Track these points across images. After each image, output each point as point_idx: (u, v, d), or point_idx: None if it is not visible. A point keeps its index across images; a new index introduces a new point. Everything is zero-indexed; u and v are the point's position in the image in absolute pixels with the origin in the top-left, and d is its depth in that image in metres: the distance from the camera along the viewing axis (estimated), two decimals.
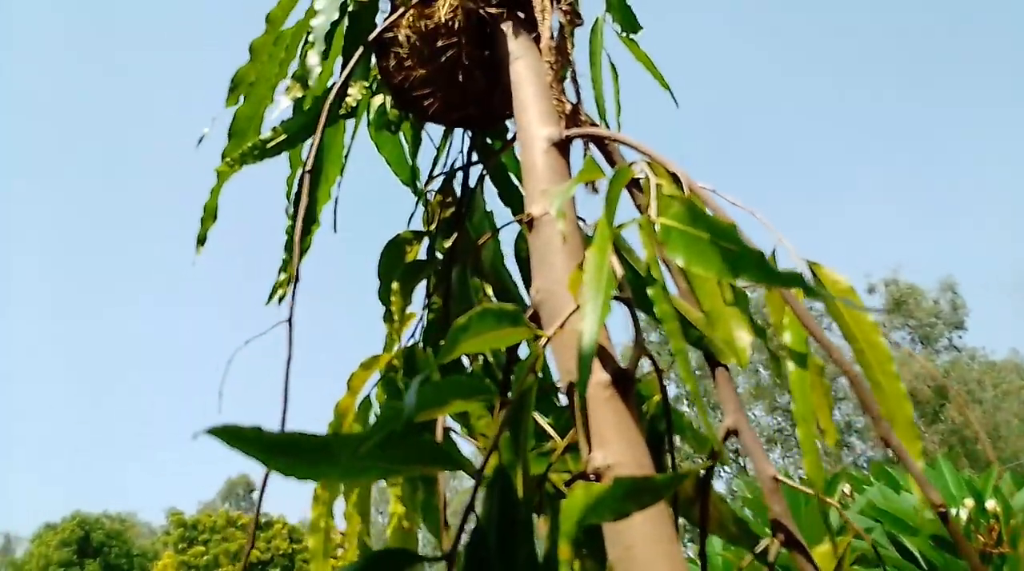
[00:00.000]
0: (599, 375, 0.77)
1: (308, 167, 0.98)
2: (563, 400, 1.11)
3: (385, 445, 0.55)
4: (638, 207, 0.91)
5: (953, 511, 3.82)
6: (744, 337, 0.76)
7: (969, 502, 3.78)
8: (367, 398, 1.15)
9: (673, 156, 0.87)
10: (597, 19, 1.46)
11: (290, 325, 0.87)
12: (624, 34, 1.51)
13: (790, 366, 0.76)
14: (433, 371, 1.15)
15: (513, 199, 1.29)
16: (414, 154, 1.36)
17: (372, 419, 1.16)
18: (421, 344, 1.21)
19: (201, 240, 1.16)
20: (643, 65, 1.50)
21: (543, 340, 0.76)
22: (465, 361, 1.23)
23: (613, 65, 1.42)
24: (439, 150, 1.30)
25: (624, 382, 0.79)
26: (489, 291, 1.18)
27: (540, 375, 0.78)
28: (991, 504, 3.80)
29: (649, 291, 0.67)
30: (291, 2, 1.17)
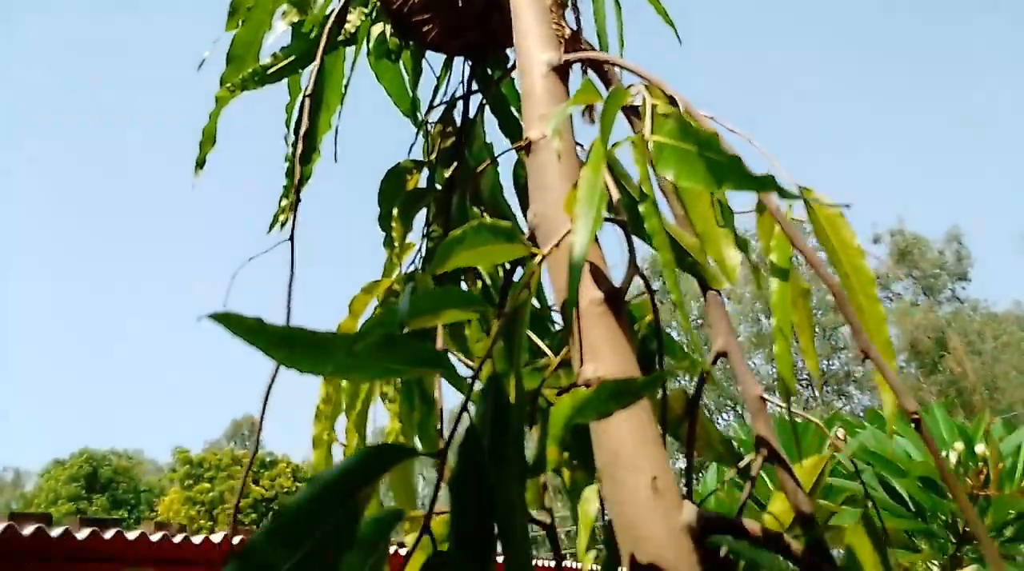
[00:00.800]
0: (592, 292, 0.79)
1: (308, 91, 0.99)
2: (558, 323, 1.15)
3: (382, 346, 0.58)
4: (633, 129, 0.92)
5: (943, 454, 3.90)
6: (734, 255, 0.78)
7: (959, 446, 3.85)
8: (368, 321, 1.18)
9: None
10: None
11: (292, 243, 0.89)
12: None
13: (773, 282, 0.79)
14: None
15: (512, 129, 1.30)
16: (414, 84, 1.36)
17: None
18: (421, 270, 1.24)
19: (200, 164, 1.17)
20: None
21: (538, 258, 0.78)
22: (464, 287, 1.26)
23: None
24: (439, 80, 1.31)
25: (616, 300, 0.81)
26: (487, 219, 1.20)
27: (535, 295, 0.81)
28: (980, 448, 3.87)
29: (640, 207, 0.69)
30: None
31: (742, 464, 0.96)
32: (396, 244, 1.16)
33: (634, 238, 0.85)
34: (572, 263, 0.62)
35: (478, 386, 0.72)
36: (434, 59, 1.34)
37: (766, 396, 0.93)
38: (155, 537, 5.70)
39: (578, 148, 0.95)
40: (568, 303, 0.64)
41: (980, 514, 3.70)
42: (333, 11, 1.08)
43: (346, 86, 1.29)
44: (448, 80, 1.31)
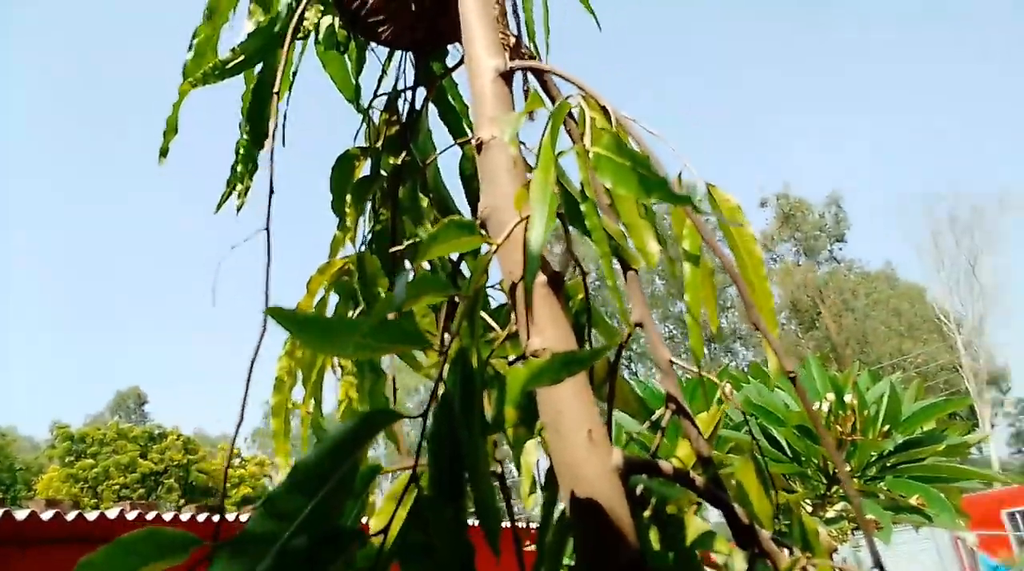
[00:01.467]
0: (538, 276, 0.94)
1: (276, 89, 1.08)
2: (495, 298, 1.29)
3: (381, 329, 0.71)
4: (569, 133, 1.07)
5: (816, 404, 4.31)
6: (654, 244, 0.94)
7: (831, 396, 4.27)
8: (324, 300, 1.28)
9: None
10: None
11: (268, 232, 0.99)
12: None
13: (686, 267, 0.96)
14: (380, 274, 1.31)
15: (452, 121, 1.42)
16: (357, 73, 1.45)
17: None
18: (368, 250, 1.35)
19: (163, 152, 1.24)
20: None
21: (493, 247, 0.92)
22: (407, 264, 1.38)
23: None
24: (383, 70, 1.41)
25: (557, 283, 0.96)
26: (456, 217, 1.32)
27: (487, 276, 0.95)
28: (849, 398, 4.31)
29: (582, 206, 0.83)
30: None
31: (654, 417, 1.14)
32: (350, 227, 1.27)
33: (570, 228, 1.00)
34: (529, 254, 0.77)
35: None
36: (378, 49, 1.44)
37: (674, 360, 1.11)
38: (46, 515, 5.50)
39: (522, 146, 1.09)
40: (527, 288, 0.78)
41: (848, 457, 4.14)
42: (295, 11, 1.15)
43: (294, 74, 1.37)
44: (391, 71, 1.41)
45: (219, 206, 1.41)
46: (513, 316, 0.98)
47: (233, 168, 1.40)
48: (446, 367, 0.82)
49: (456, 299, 1.00)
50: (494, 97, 1.04)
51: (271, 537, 0.65)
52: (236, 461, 32.40)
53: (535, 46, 1.39)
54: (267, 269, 0.99)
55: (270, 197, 1.01)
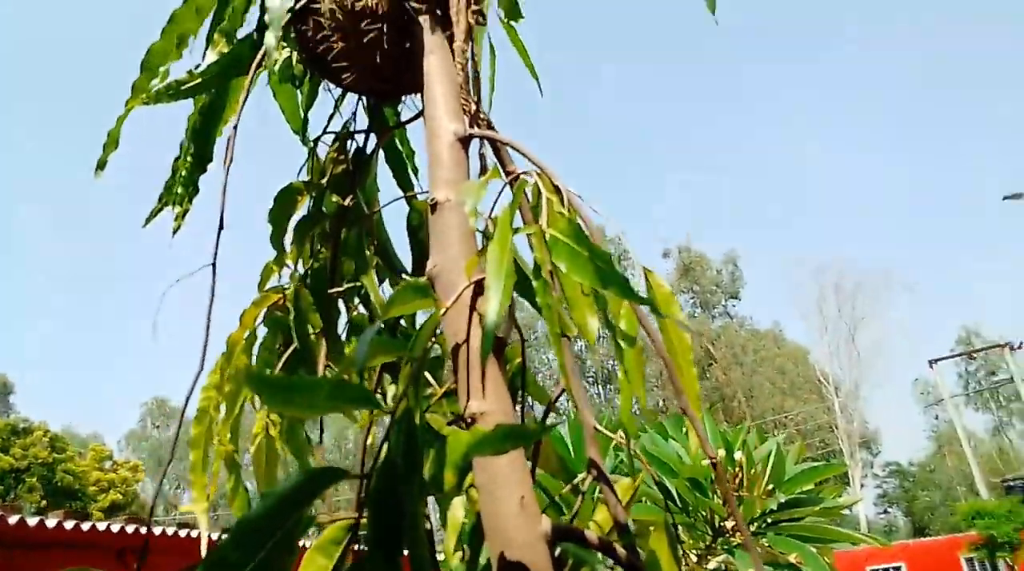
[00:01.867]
0: (479, 341, 0.97)
1: (235, 123, 1.08)
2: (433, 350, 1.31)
3: (337, 390, 0.72)
4: (519, 206, 1.11)
5: (707, 460, 4.47)
6: (594, 322, 0.99)
7: (721, 452, 4.44)
8: (253, 332, 1.27)
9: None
10: (485, 1, 1.62)
11: (214, 269, 0.98)
12: (507, 20, 1.67)
13: (622, 344, 1.01)
14: (312, 311, 1.31)
15: (397, 165, 1.44)
16: (307, 107, 1.46)
17: (255, 350, 1.29)
18: (302, 285, 1.34)
19: (101, 165, 1.20)
20: (517, 51, 1.68)
21: (442, 310, 0.94)
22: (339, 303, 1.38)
23: (492, 46, 1.58)
24: (335, 108, 1.42)
25: (499, 348, 0.99)
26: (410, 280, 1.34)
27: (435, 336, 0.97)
28: (738, 455, 4.50)
29: (535, 283, 0.87)
30: None
31: (576, 481, 1.18)
32: (289, 263, 1.26)
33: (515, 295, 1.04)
34: (486, 330, 0.79)
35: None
36: (331, 86, 1.44)
37: (597, 426, 1.16)
38: None
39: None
40: (483, 356, 0.81)
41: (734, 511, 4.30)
42: (259, 47, 1.15)
43: (243, 101, 1.36)
44: (341, 110, 1.42)
45: (147, 221, 1.38)
46: (454, 376, 1.01)
47: (168, 186, 1.37)
48: (383, 424, 0.84)
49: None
50: (451, 161, 1.08)
51: None
52: (107, 464, 30.59)
53: (478, 97, 1.44)
54: (210, 305, 0.98)
55: (219, 233, 1.01)
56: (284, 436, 1.30)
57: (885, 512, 43.83)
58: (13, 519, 5.91)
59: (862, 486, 35.97)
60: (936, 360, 26.66)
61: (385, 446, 0.81)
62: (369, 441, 1.16)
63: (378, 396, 1.05)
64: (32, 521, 6.12)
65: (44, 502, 26.12)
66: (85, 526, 6.17)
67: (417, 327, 1.19)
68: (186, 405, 0.93)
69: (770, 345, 41.58)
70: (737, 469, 4.48)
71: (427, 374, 1.14)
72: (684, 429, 5.13)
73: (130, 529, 7.02)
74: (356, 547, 0.85)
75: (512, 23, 1.67)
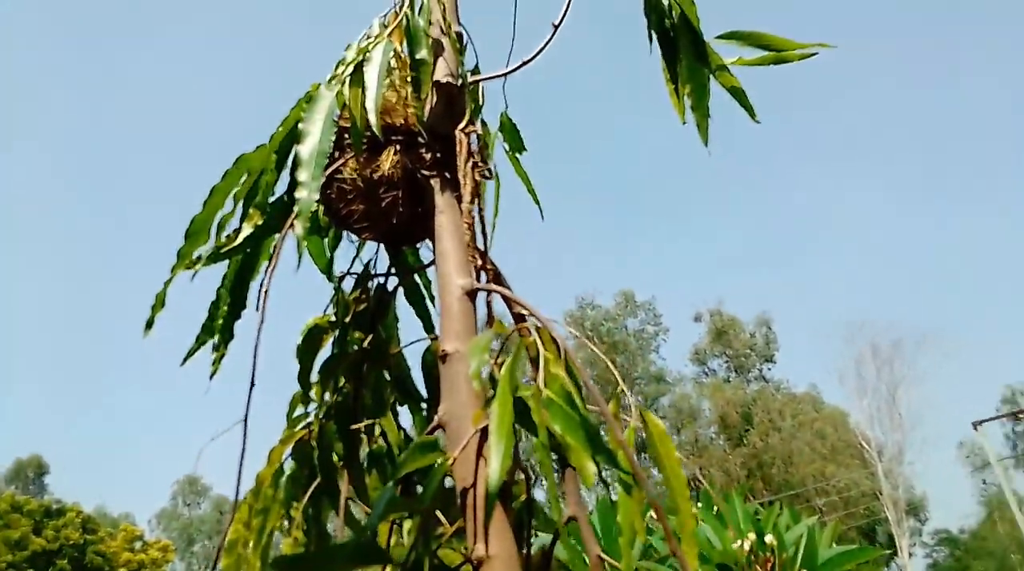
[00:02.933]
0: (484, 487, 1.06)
1: (266, 287, 1.20)
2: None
3: (358, 551, 0.82)
4: (526, 348, 1.21)
5: (737, 542, 4.44)
6: (590, 466, 1.08)
7: (752, 536, 4.41)
8: (280, 467, 1.37)
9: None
10: (491, 136, 1.76)
11: (245, 424, 1.09)
12: (511, 152, 1.82)
13: (620, 489, 1.09)
14: (335, 443, 1.41)
15: (417, 300, 1.56)
16: (333, 248, 1.59)
17: (282, 483, 1.39)
18: (326, 420, 1.45)
19: (149, 324, 1.33)
20: (521, 180, 1.81)
21: (450, 460, 1.04)
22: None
23: (496, 174, 1.71)
24: (357, 253, 1.55)
25: (504, 490, 1.08)
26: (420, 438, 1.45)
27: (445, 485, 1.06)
28: (769, 538, 4.45)
29: (536, 442, 0.96)
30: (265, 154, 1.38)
31: None
32: (316, 401, 1.37)
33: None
34: (490, 490, 0.89)
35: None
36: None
37: (603, 556, 1.23)
38: None
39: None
40: (487, 512, 0.90)
41: None
42: (289, 211, 1.28)
43: (276, 259, 1.50)
44: (362, 256, 1.55)
45: (185, 360, 1.50)
46: (463, 517, 1.09)
47: (205, 326, 1.49)
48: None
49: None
50: (460, 313, 1.19)
51: None
52: (137, 545, 30.53)
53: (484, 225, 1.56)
54: (241, 457, 1.08)
55: (251, 389, 1.12)
56: None
57: None
58: None
59: (911, 555, 34.56)
60: (980, 421, 25.92)
61: None
62: None
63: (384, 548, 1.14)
64: None
65: None
66: None
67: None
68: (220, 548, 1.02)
69: (808, 409, 40.72)
70: (769, 554, 4.43)
71: (439, 513, 1.23)
72: (715, 509, 5.09)
73: None
74: None
75: (517, 155, 1.81)
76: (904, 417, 35.83)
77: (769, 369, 44.46)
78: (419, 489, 1.08)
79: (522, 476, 1.19)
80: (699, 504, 5.10)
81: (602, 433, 0.86)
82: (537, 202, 1.84)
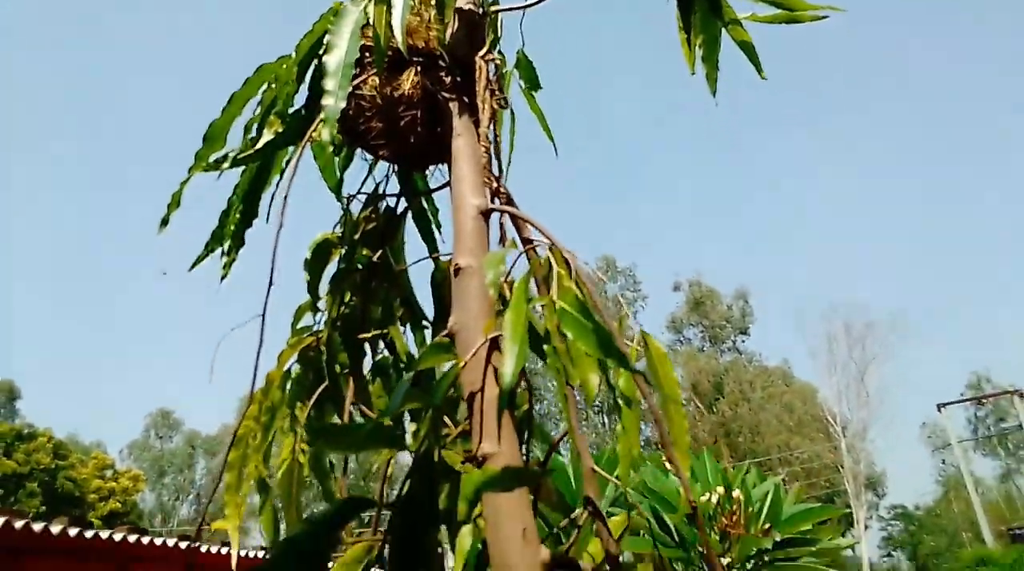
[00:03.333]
0: (494, 391, 1.12)
1: (285, 193, 1.24)
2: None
3: (373, 432, 0.87)
4: (532, 272, 1.26)
5: (706, 496, 4.58)
6: (595, 379, 1.14)
7: (720, 490, 4.55)
8: (288, 370, 1.42)
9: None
10: (507, 72, 1.79)
11: (263, 318, 1.14)
12: (526, 89, 1.84)
13: (621, 403, 1.15)
14: (340, 353, 1.46)
15: (423, 225, 1.60)
16: (343, 168, 1.62)
17: (288, 386, 1.44)
18: (333, 330, 1.49)
19: (164, 222, 1.37)
20: (536, 116, 1.85)
21: (460, 363, 1.09)
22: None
23: (513, 115, 1.75)
24: (368, 173, 1.58)
25: (510, 396, 1.14)
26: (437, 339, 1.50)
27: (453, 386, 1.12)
28: (736, 493, 4.60)
29: (546, 348, 1.02)
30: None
31: (573, 515, 1.32)
32: (325, 312, 1.42)
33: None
34: (503, 388, 0.94)
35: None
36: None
37: (595, 468, 1.30)
38: None
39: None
40: (500, 408, 0.96)
41: (730, 548, 4.40)
42: (308, 124, 1.32)
43: (286, 162, 1.53)
44: (375, 174, 1.58)
45: (193, 266, 1.53)
46: (468, 420, 1.15)
47: (216, 234, 1.53)
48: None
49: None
50: (473, 231, 1.23)
51: None
52: (108, 473, 30.70)
53: (500, 160, 1.60)
54: (257, 353, 1.13)
55: (268, 288, 1.16)
56: (311, 463, 1.44)
57: (889, 555, 43.31)
58: (19, 523, 6.05)
59: (866, 528, 35.61)
60: (945, 404, 26.55)
61: (408, 482, 0.95)
62: (389, 471, 1.30)
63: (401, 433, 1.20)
64: (37, 527, 6.26)
65: (44, 508, 26.18)
66: (88, 534, 6.29)
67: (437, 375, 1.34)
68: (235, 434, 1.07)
69: (778, 382, 41.45)
70: (735, 507, 4.58)
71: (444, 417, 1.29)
72: (692, 506, 5.23)
73: (132, 538, 7.14)
74: (375, 567, 0.99)
75: (532, 92, 1.84)
76: (871, 396, 36.56)
77: (743, 341, 45.08)
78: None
79: (526, 388, 1.25)
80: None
81: (615, 339, 0.91)
82: (551, 138, 1.87)
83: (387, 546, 0.92)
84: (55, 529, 6.44)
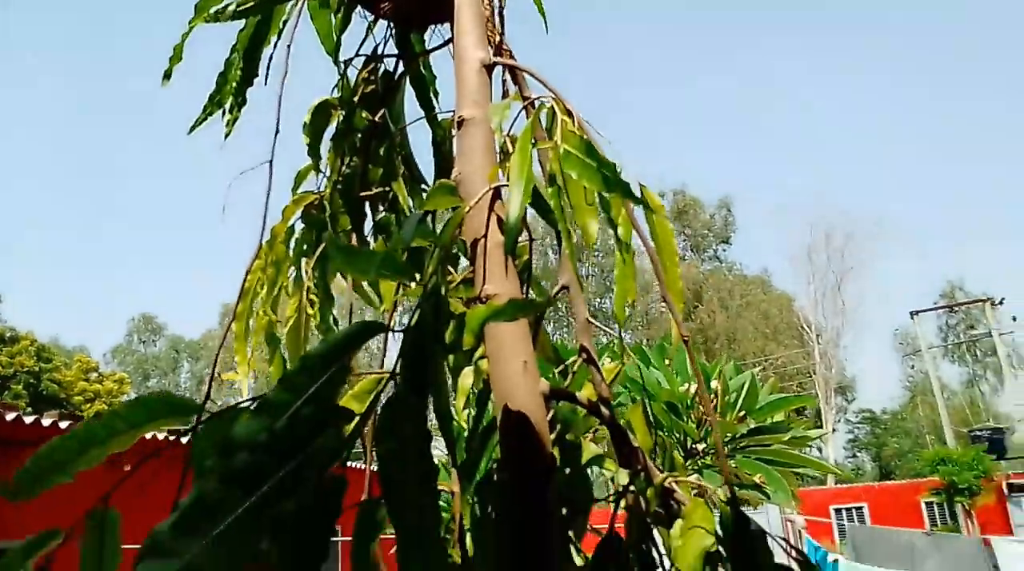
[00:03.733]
0: (498, 237, 1.16)
1: (288, 42, 1.24)
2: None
3: (388, 260, 0.92)
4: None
5: (685, 386, 4.76)
6: (594, 225, 1.18)
7: (699, 380, 4.72)
8: (292, 225, 1.46)
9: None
10: None
11: (271, 166, 1.16)
12: None
13: (617, 251, 1.20)
14: (342, 212, 1.49)
15: (420, 87, 1.60)
16: (340, 31, 1.61)
17: (293, 243, 1.48)
18: (335, 190, 1.52)
19: (167, 75, 1.37)
20: None
21: (465, 207, 1.13)
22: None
23: None
24: (367, 33, 1.57)
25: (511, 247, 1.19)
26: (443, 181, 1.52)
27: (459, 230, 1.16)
28: (714, 384, 4.78)
29: (549, 190, 1.06)
30: None
31: (567, 363, 1.40)
32: (327, 171, 1.44)
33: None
34: (509, 226, 0.98)
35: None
36: (363, 12, 1.59)
37: (590, 319, 1.37)
38: None
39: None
40: (507, 249, 1.00)
41: (706, 435, 4.60)
42: None
43: (284, 22, 1.52)
44: (373, 34, 1.57)
45: (193, 129, 1.54)
46: (471, 267, 1.20)
47: (212, 97, 1.53)
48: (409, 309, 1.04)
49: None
50: (477, 84, 1.25)
51: (286, 405, 0.85)
52: (92, 375, 31.05)
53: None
54: (267, 198, 1.16)
55: (275, 136, 1.18)
56: (316, 317, 1.50)
57: (854, 456, 45.24)
58: (10, 416, 6.18)
59: (834, 430, 37.02)
60: (918, 312, 27.19)
61: (417, 311, 1.00)
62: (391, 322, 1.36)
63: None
64: (28, 420, 6.38)
65: (29, 409, 26.59)
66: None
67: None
68: (242, 289, 1.11)
69: (757, 291, 42.13)
70: (713, 396, 4.76)
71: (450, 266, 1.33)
72: (666, 360, 5.40)
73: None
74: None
75: None
76: (846, 304, 37.31)
77: (724, 250, 45.52)
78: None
79: (527, 239, 1.29)
80: (650, 355, 5.41)
81: (622, 174, 0.95)
82: (543, 13, 1.85)
83: (397, 371, 0.99)
84: (46, 422, 6.57)
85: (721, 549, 1.08)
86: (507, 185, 1.14)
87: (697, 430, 4.67)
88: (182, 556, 0.68)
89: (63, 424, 6.69)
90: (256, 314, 1.47)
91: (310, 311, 1.43)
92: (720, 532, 1.08)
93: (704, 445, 4.69)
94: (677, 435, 4.59)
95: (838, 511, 21.59)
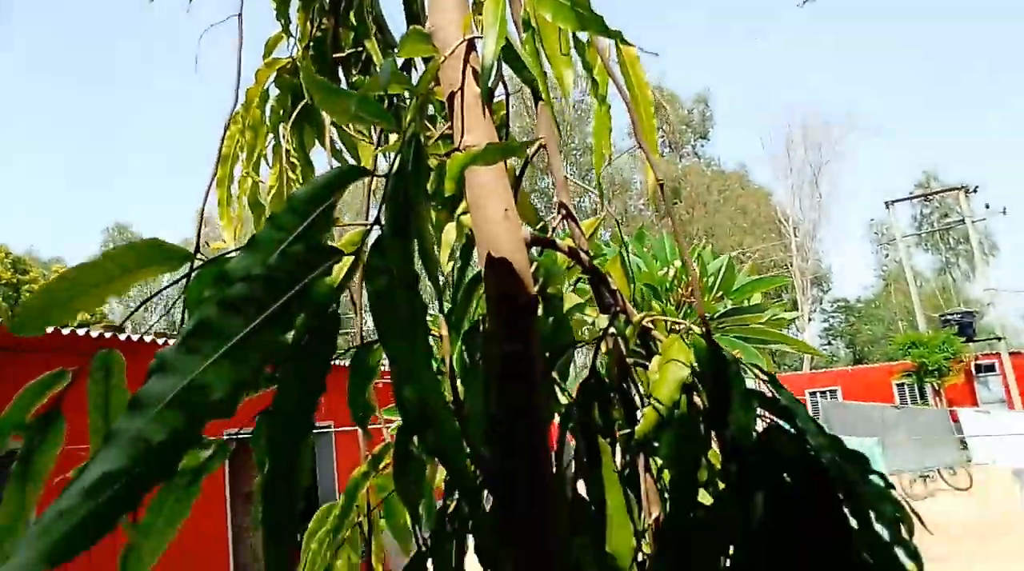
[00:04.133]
0: (475, 88, 1.16)
1: None
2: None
3: (365, 101, 0.92)
4: None
5: (664, 270, 4.84)
6: (569, 75, 1.18)
7: (677, 263, 4.80)
8: (266, 90, 1.44)
9: None
10: None
11: (240, 19, 1.14)
12: None
13: (594, 103, 1.21)
14: (312, 73, 1.48)
15: None
16: None
17: (269, 110, 1.47)
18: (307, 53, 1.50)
19: None
20: None
21: (440, 57, 1.13)
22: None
23: None
24: None
25: (487, 96, 1.19)
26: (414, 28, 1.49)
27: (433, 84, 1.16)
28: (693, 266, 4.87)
29: (524, 35, 1.05)
30: None
31: (547, 220, 1.43)
32: (298, 35, 1.42)
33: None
34: (485, 66, 0.99)
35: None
36: None
37: (568, 177, 1.39)
38: None
39: None
40: (482, 93, 1.01)
41: (685, 316, 4.72)
42: None
43: None
44: None
45: None
46: (448, 121, 1.21)
47: None
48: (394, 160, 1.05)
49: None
50: None
51: (275, 242, 0.87)
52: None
53: None
54: (239, 50, 1.15)
55: None
56: (299, 182, 1.51)
57: (828, 344, 46.51)
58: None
59: (810, 320, 37.95)
60: (893, 201, 27.43)
61: (398, 156, 1.02)
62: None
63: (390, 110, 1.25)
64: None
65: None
66: (65, 331, 6.46)
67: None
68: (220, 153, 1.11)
69: (735, 186, 42.16)
70: (690, 278, 4.86)
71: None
72: (645, 247, 5.47)
73: (108, 336, 7.36)
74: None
75: None
76: (823, 197, 37.53)
77: (702, 146, 45.22)
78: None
79: (503, 94, 1.29)
80: (629, 242, 5.48)
81: (600, 16, 0.95)
82: None
83: (380, 217, 1.01)
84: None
85: (696, 381, 1.14)
86: (481, 36, 1.14)
87: (676, 312, 4.79)
88: (187, 374, 0.71)
89: (65, 330, 6.73)
90: (239, 179, 1.47)
91: (292, 175, 1.44)
92: (696, 365, 1.14)
93: (682, 326, 4.83)
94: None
95: (812, 394, 22.43)
